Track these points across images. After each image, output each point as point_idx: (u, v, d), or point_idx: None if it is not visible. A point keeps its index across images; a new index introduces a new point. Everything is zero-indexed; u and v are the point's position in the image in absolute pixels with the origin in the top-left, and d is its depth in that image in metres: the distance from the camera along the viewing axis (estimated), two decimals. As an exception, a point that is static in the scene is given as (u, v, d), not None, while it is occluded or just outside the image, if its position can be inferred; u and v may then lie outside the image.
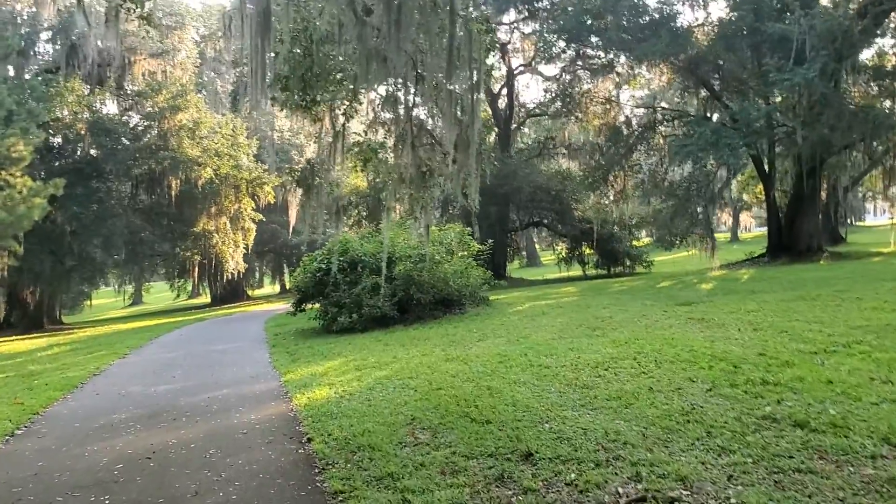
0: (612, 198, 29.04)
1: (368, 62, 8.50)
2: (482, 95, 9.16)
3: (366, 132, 12.53)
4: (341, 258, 18.12)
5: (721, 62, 25.20)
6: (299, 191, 45.18)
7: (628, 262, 33.58)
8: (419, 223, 11.03)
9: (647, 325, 12.47)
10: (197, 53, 43.61)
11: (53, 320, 38.48)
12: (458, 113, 9.07)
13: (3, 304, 35.02)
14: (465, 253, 19.96)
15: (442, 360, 11.17)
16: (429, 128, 10.87)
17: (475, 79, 8.30)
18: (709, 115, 26.90)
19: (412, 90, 9.14)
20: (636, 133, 28.54)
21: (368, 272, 18.05)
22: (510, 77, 33.34)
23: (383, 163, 10.28)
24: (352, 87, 9.23)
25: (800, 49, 21.35)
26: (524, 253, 59.24)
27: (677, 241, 27.97)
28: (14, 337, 29.25)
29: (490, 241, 24.13)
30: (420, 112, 11.44)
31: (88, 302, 57.42)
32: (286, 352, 15.11)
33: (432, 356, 11.79)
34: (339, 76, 9.41)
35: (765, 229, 71.82)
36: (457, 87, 8.74)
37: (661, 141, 28.85)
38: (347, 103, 9.62)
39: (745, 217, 70.08)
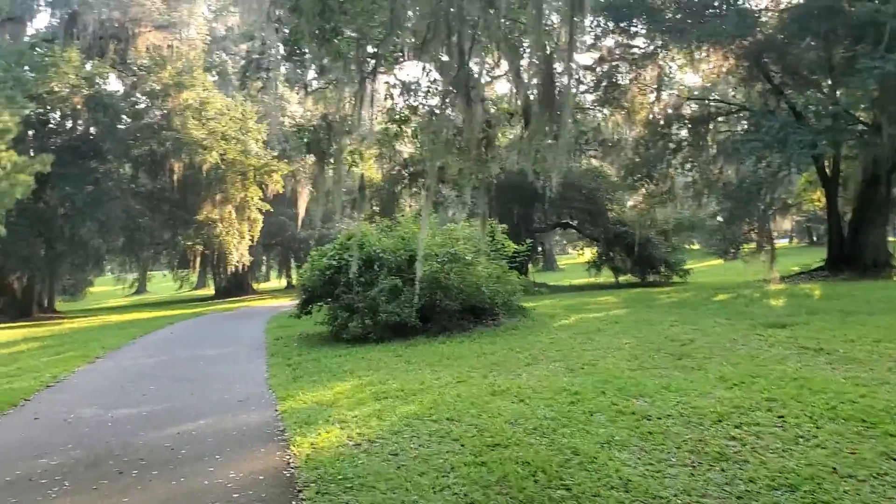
0: (656, 198, 26.19)
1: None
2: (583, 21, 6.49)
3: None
4: (355, 254, 15.41)
5: (788, 50, 22.37)
6: (308, 180, 42.77)
7: (664, 270, 30.84)
8: (462, 210, 8.30)
9: (749, 354, 9.73)
10: (207, 31, 41.00)
11: (44, 308, 35.94)
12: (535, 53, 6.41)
13: (-12, 289, 32.43)
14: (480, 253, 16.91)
15: (487, 393, 8.48)
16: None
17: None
18: (771, 109, 24.07)
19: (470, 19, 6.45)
20: (687, 127, 25.72)
21: (387, 272, 15.35)
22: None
23: (433, 121, 7.58)
24: (389, 13, 6.53)
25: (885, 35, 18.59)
26: (539, 256, 56.47)
27: (733, 249, 25.19)
28: (-5, 326, 26.75)
29: (529, 241, 21.35)
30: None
31: (90, 289, 55.28)
32: (287, 364, 12.45)
33: (472, 385, 9.11)
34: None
35: (786, 241, 69.21)
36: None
37: (712, 138, 26.03)
38: (382, 38, 6.95)
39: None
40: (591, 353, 10.94)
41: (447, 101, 6.70)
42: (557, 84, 6.42)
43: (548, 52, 6.25)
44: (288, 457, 6.72)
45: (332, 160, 7.76)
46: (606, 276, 33.48)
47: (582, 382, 8.61)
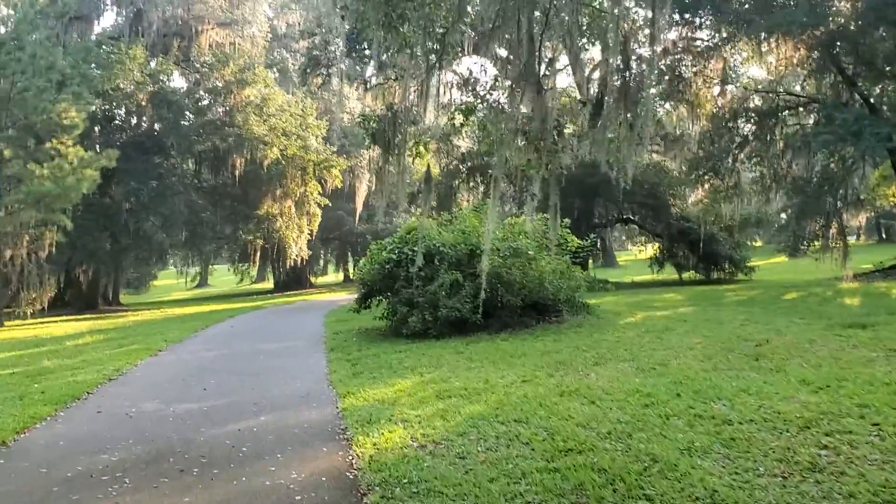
0: (722, 193, 25.34)
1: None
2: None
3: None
4: (415, 248, 15.18)
5: (862, 40, 21.35)
6: (367, 176, 42.88)
7: (728, 267, 30.00)
8: (530, 203, 7.99)
9: (831, 356, 9.21)
10: (268, 28, 41.39)
11: (109, 301, 36.78)
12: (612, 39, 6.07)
13: (56, 281, 33.19)
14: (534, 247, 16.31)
15: (555, 394, 8.17)
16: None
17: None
18: (843, 101, 23.06)
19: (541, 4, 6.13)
20: (753, 121, 24.83)
21: (447, 266, 15.10)
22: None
23: (495, 113, 7.28)
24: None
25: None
26: (598, 252, 55.57)
27: (803, 245, 24.27)
28: (62, 317, 27.53)
29: (592, 236, 20.91)
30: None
31: (154, 282, 56.54)
32: (346, 360, 12.31)
33: (538, 384, 8.80)
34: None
35: (853, 238, 66.74)
36: None
37: (779, 131, 25.07)
38: (448, 26, 6.68)
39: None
40: (662, 352, 10.53)
41: (516, 89, 6.41)
42: (633, 71, 6.06)
43: (623, 39, 5.89)
44: (350, 457, 6.52)
45: (396, 151, 7.54)
46: (668, 273, 32.77)
47: (654, 384, 8.24)
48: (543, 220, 16.51)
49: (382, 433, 7.08)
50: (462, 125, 8.02)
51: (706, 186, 26.37)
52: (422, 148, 8.07)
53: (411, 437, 6.89)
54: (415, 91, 7.41)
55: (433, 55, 7.23)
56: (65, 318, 27.72)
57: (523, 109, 6.96)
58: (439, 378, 9.82)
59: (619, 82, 5.96)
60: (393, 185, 8.88)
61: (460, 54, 11.20)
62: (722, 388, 7.76)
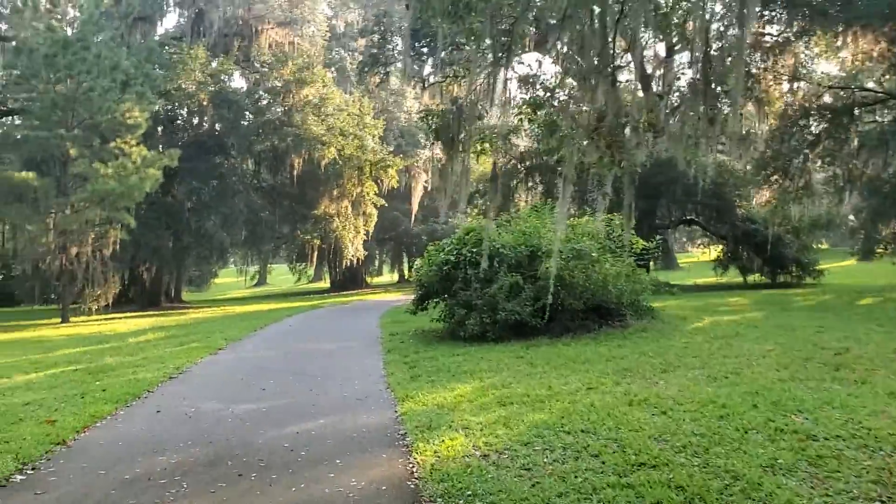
0: (791, 194, 24.39)
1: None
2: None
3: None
4: (473, 249, 14.91)
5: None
6: (423, 176, 42.83)
7: (795, 271, 28.94)
8: (602, 202, 7.64)
9: (920, 368, 8.67)
10: (327, 27, 41.64)
11: (171, 298, 37.44)
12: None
13: (120, 278, 33.84)
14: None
15: (623, 403, 7.81)
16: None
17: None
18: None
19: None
20: (826, 118, 23.86)
21: (507, 268, 14.76)
22: (669, 51, 29.07)
23: (564, 107, 6.95)
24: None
25: None
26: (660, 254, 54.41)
27: (880, 248, 23.26)
28: (125, 314, 28.06)
29: (658, 237, 20.35)
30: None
31: (214, 280, 57.47)
32: (404, 362, 12.09)
33: (604, 392, 8.44)
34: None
35: None
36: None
37: (854, 129, 24.04)
38: (517, 15, 6.37)
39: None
40: (733, 360, 10.05)
41: (588, 82, 6.09)
42: (715, 63, 5.69)
43: (705, 28, 5.52)
44: (411, 465, 6.28)
45: (461, 148, 7.28)
46: (731, 276, 31.83)
47: (728, 394, 7.81)
48: (607, 221, 16.05)
49: (443, 440, 6.83)
50: (530, 120, 7.72)
51: (774, 187, 25.43)
52: (486, 145, 7.79)
53: (473, 446, 6.62)
54: (480, 85, 7.15)
55: (500, 48, 6.94)
56: (128, 314, 28.26)
57: (590, 104, 6.63)
58: (500, 383, 9.53)
59: (698, 75, 5.60)
60: (456, 185, 8.60)
61: (521, 50, 10.89)
62: (802, 399, 7.31)
